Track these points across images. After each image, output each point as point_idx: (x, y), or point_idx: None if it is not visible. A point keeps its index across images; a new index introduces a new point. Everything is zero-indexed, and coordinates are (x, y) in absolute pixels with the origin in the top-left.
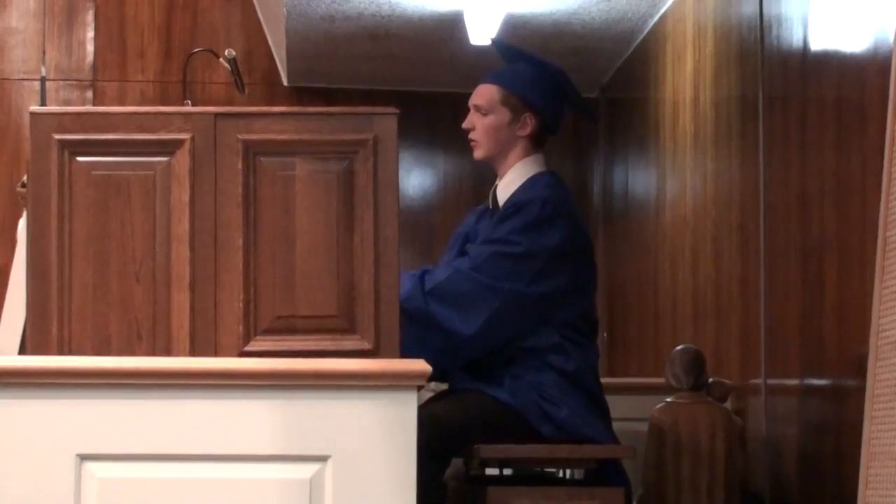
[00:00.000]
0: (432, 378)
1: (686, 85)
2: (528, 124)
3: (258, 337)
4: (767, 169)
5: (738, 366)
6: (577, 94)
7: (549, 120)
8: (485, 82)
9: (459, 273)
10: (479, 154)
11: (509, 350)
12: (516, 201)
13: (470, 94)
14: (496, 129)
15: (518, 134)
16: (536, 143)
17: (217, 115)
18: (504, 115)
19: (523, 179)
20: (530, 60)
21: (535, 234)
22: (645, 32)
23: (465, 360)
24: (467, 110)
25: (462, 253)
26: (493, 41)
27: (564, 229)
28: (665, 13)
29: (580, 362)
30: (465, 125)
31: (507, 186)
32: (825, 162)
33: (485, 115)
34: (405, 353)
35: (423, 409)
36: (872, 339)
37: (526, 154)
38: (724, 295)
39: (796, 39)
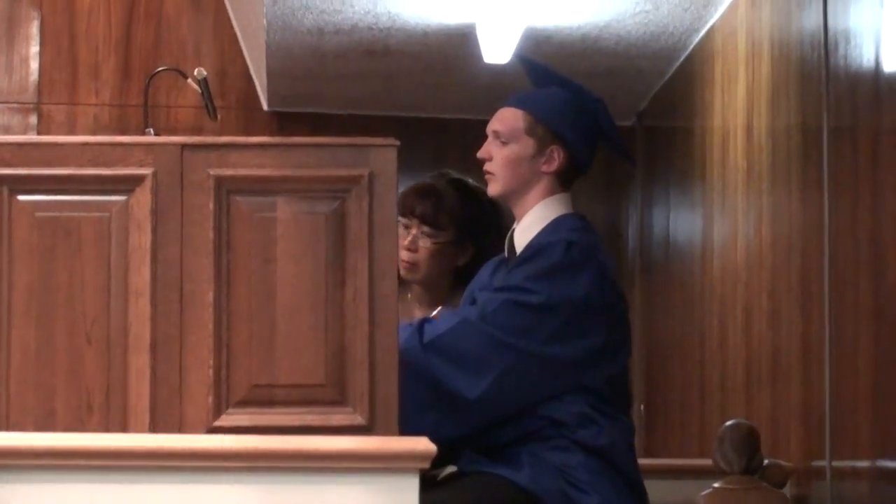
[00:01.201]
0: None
1: (738, 111)
2: (556, 159)
3: (231, 410)
4: (833, 210)
5: (798, 445)
6: (615, 129)
7: (580, 156)
8: (508, 106)
9: (465, 324)
10: (494, 189)
11: (529, 420)
12: (536, 244)
13: (485, 121)
14: (517, 162)
15: (542, 169)
16: (563, 182)
17: (184, 145)
18: (528, 145)
19: (545, 222)
20: (564, 84)
21: (558, 283)
22: (689, 49)
23: (469, 428)
24: (484, 137)
25: (473, 303)
26: (520, 58)
27: (592, 279)
28: (713, 27)
29: (613, 437)
30: (480, 154)
31: (525, 231)
32: None
33: (505, 143)
34: (403, 424)
35: (426, 497)
36: None
37: (549, 193)
38: (783, 361)
39: (867, 58)
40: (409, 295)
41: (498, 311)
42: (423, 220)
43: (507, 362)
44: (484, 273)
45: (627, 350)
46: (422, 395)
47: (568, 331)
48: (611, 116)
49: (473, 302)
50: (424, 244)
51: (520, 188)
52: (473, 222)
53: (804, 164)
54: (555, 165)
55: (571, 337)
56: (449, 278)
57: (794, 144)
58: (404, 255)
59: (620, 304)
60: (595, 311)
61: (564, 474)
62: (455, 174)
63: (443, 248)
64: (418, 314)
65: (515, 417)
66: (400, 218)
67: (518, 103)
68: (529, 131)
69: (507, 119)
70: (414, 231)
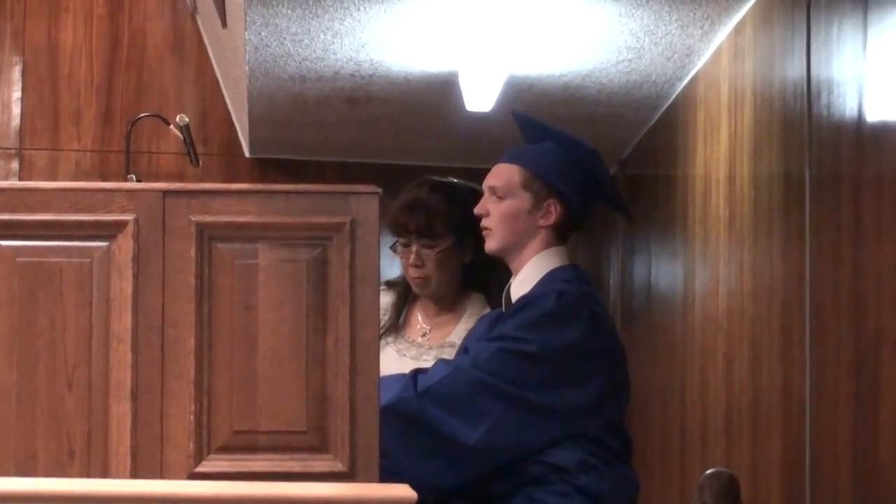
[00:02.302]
0: None
1: (720, 160)
2: (553, 213)
3: (212, 456)
4: (815, 261)
5: (778, 494)
6: (611, 179)
7: (577, 210)
8: (503, 161)
9: (458, 372)
10: (491, 245)
11: (530, 467)
12: (528, 296)
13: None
14: (514, 217)
15: (539, 223)
16: (559, 236)
17: (166, 192)
18: (525, 200)
19: (541, 275)
20: (558, 138)
21: (550, 331)
22: (672, 98)
23: (470, 475)
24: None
25: (467, 352)
26: (514, 114)
27: (585, 326)
28: (696, 75)
29: (614, 484)
30: (477, 210)
31: (521, 285)
32: (883, 253)
33: (501, 198)
34: (395, 471)
35: None
36: None
37: (545, 247)
38: (763, 410)
39: (850, 108)
40: (417, 304)
41: (491, 359)
42: (420, 234)
43: (502, 408)
44: (480, 326)
45: (626, 398)
46: (420, 443)
47: (562, 378)
48: (606, 168)
49: (467, 351)
50: (428, 256)
51: (517, 243)
52: (466, 219)
53: (786, 213)
54: (552, 219)
55: (566, 384)
56: (458, 280)
57: (777, 193)
58: (413, 272)
59: (617, 350)
60: (589, 357)
61: None
62: (435, 178)
63: (446, 254)
64: (428, 319)
65: (517, 464)
66: (397, 238)
67: (513, 159)
68: (526, 186)
69: (502, 174)
70: (414, 247)
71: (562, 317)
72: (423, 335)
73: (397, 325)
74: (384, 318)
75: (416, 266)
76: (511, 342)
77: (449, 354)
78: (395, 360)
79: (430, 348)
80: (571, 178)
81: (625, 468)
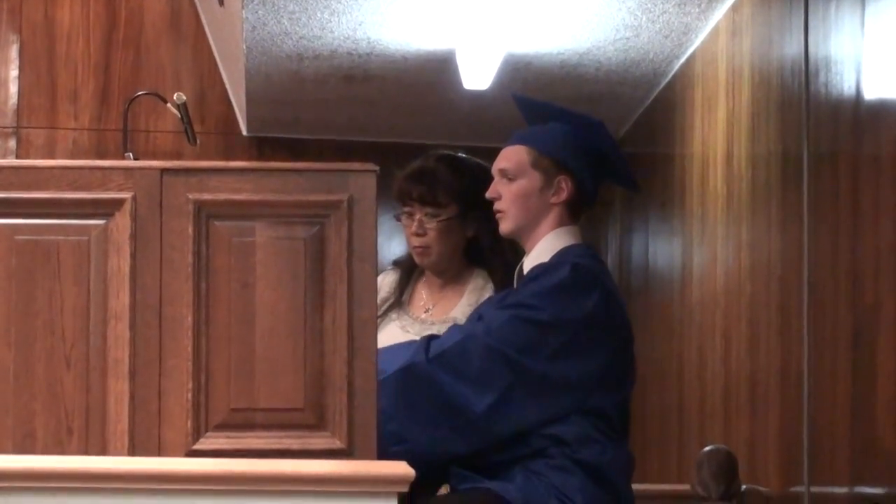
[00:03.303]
0: (426, 473)
1: (718, 139)
2: (564, 189)
3: (210, 433)
4: (813, 238)
5: (776, 471)
6: (619, 150)
7: (587, 185)
8: (511, 143)
9: (470, 339)
10: (506, 227)
11: (533, 439)
12: (544, 265)
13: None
14: (526, 197)
15: (552, 201)
16: (572, 214)
17: (163, 170)
18: (535, 178)
19: (554, 251)
20: (562, 116)
21: (563, 300)
22: (670, 76)
23: (478, 444)
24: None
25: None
26: (515, 97)
27: (598, 299)
28: (693, 53)
29: (615, 458)
30: (489, 194)
31: (534, 261)
32: (881, 230)
33: (512, 180)
34: (402, 436)
35: None
36: None
37: (559, 224)
38: (761, 387)
39: (848, 85)
40: (422, 281)
41: (503, 327)
42: (423, 202)
43: (511, 378)
44: (493, 300)
45: (633, 377)
46: (429, 409)
47: (573, 348)
48: (612, 138)
49: (480, 318)
50: (431, 225)
51: (530, 222)
52: (472, 193)
53: (784, 191)
54: (564, 195)
55: (576, 355)
56: (461, 254)
57: (774, 171)
58: (415, 241)
59: (625, 329)
60: (600, 330)
61: (558, 493)
62: (443, 151)
63: (449, 224)
64: (431, 295)
65: (521, 435)
66: (401, 208)
67: (520, 140)
68: (535, 165)
69: (511, 156)
70: (418, 215)
71: (575, 287)
72: (427, 311)
73: (401, 302)
74: (390, 295)
75: (418, 235)
76: (524, 310)
77: None
78: (398, 335)
79: (433, 324)
80: (579, 153)
81: (624, 445)
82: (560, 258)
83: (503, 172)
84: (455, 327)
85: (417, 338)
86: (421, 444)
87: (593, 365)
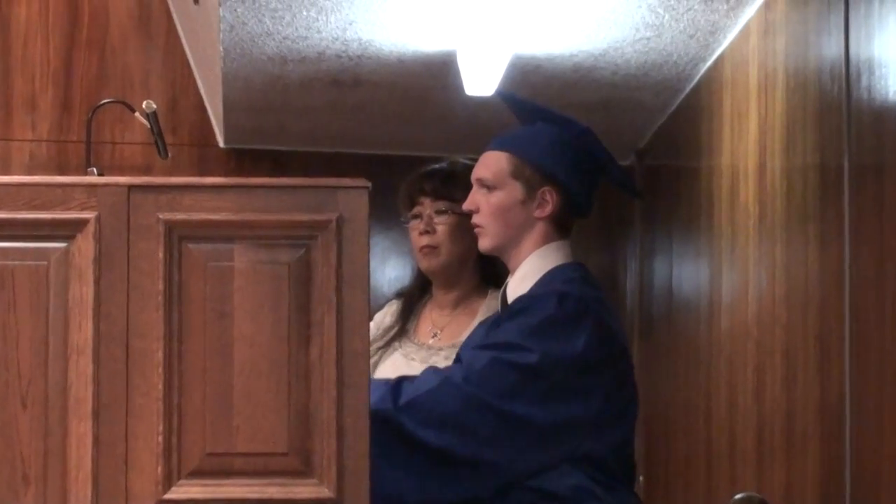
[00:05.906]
0: None
1: (749, 150)
2: (548, 202)
3: (183, 481)
4: (855, 260)
5: None
6: (612, 159)
7: (576, 196)
8: (491, 149)
9: (447, 385)
10: (485, 244)
11: (517, 494)
12: (527, 297)
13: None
14: (506, 210)
15: (535, 215)
16: (560, 229)
17: (131, 187)
18: (515, 190)
19: (540, 273)
20: (548, 118)
21: (550, 339)
22: (695, 81)
23: (454, 494)
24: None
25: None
26: (500, 94)
27: (589, 334)
28: (722, 55)
29: None
30: (466, 206)
31: (519, 284)
32: None
33: (491, 190)
34: (381, 485)
35: None
36: None
37: (545, 241)
38: (798, 427)
39: (893, 90)
40: (429, 307)
41: (484, 371)
42: (437, 196)
43: (492, 427)
44: (477, 333)
45: (633, 414)
46: (399, 458)
47: (562, 393)
48: (603, 146)
49: (459, 360)
50: (441, 220)
51: (512, 239)
52: None
53: (823, 207)
54: (548, 209)
55: (566, 399)
56: (472, 267)
57: (812, 186)
58: (422, 240)
59: (623, 361)
60: (593, 371)
61: None
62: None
63: (462, 221)
64: (440, 318)
65: (502, 491)
66: (409, 211)
67: (500, 145)
68: (515, 174)
69: (490, 163)
70: (427, 212)
71: (563, 324)
72: (434, 336)
73: (405, 330)
74: (392, 328)
75: (427, 233)
76: (506, 352)
77: None
78: (401, 364)
79: (441, 349)
80: (566, 160)
81: (628, 496)
82: (545, 286)
83: (481, 182)
84: (430, 370)
85: (423, 366)
86: (398, 493)
87: (585, 409)
